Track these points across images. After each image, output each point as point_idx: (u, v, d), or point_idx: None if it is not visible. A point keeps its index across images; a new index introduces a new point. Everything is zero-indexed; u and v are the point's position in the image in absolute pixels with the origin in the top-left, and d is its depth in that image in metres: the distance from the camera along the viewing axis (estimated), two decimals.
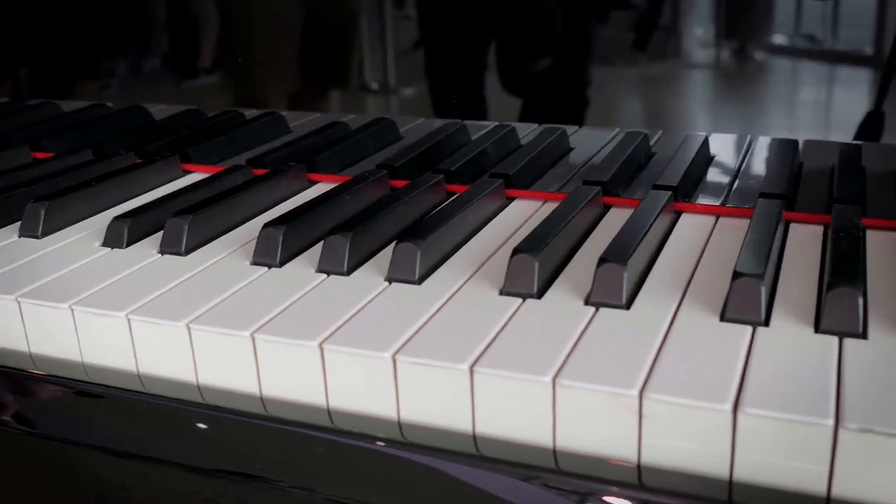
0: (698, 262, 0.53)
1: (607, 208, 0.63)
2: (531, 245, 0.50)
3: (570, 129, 0.76)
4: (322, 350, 0.44)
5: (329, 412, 0.45)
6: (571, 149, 0.76)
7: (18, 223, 0.64)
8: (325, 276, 0.53)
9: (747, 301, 0.44)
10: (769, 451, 0.37)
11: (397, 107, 0.84)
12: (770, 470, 0.37)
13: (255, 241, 0.56)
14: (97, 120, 0.91)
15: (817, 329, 0.43)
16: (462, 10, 0.78)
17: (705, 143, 0.71)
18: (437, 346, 0.43)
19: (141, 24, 0.91)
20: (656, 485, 0.38)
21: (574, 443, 0.40)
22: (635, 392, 0.39)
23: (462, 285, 0.51)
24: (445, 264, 0.54)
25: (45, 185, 0.70)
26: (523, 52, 0.77)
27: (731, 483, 0.38)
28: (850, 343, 0.42)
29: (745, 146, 0.71)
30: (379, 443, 0.42)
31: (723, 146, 0.72)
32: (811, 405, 0.37)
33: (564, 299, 0.48)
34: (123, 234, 0.59)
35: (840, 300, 0.43)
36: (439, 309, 0.47)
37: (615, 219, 0.60)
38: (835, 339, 0.42)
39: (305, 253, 0.56)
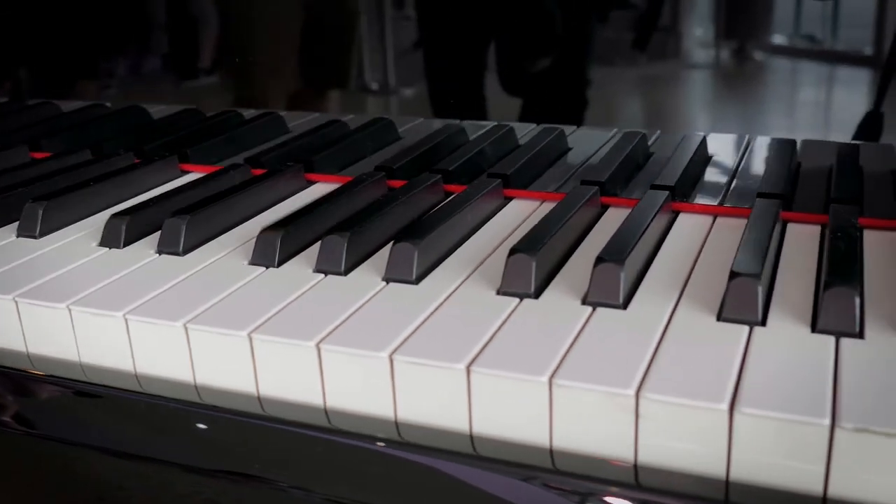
0: (696, 261, 0.53)
1: (605, 208, 0.63)
2: (528, 245, 0.50)
3: (568, 128, 0.76)
4: (319, 350, 0.44)
5: (326, 412, 0.45)
6: (570, 149, 0.76)
7: (16, 223, 0.64)
8: (322, 276, 0.53)
9: (744, 301, 0.44)
10: (766, 451, 0.37)
11: (396, 107, 0.84)
12: (767, 470, 0.37)
13: (252, 240, 0.56)
14: (96, 120, 0.91)
15: (814, 329, 0.43)
16: (461, 10, 0.78)
17: (703, 142, 0.71)
18: (434, 346, 0.43)
19: (139, 25, 0.91)
20: (655, 485, 0.38)
21: (571, 443, 0.40)
22: (632, 392, 0.39)
23: (459, 285, 0.51)
24: (443, 264, 0.54)
25: (44, 184, 0.70)
26: (523, 53, 0.77)
27: (727, 483, 0.38)
28: (846, 343, 0.42)
29: (744, 146, 0.71)
30: (379, 443, 0.42)
31: (721, 146, 0.72)
32: (808, 405, 0.37)
33: (561, 299, 0.48)
34: (121, 231, 0.59)
35: (837, 300, 0.43)
36: (436, 309, 0.48)
37: (613, 219, 0.60)
38: (832, 339, 0.42)
39: (303, 253, 0.56)
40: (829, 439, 0.36)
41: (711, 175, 0.68)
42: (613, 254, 0.48)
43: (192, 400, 0.47)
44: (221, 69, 0.89)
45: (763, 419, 0.37)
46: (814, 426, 0.36)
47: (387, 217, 0.59)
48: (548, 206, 0.63)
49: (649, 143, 0.73)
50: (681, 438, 0.38)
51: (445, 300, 0.49)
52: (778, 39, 0.69)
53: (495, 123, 0.78)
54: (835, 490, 0.36)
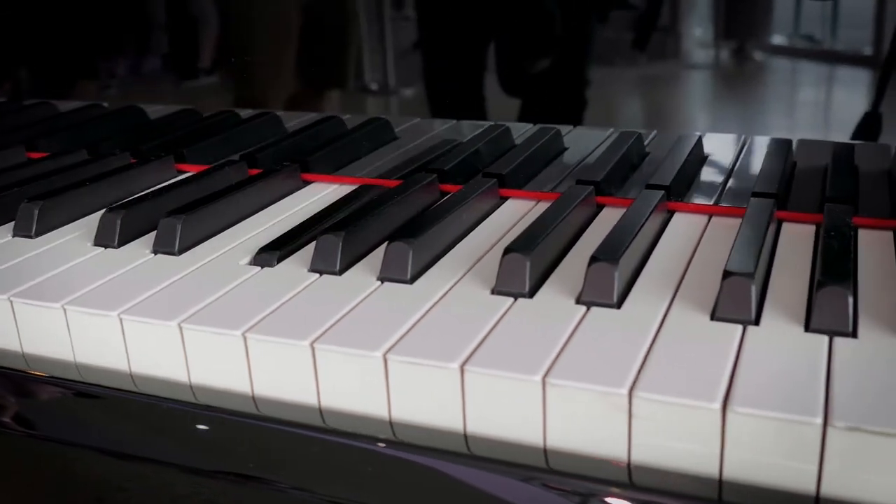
0: (690, 261, 0.53)
1: (600, 208, 0.63)
2: (523, 244, 0.50)
3: (564, 128, 0.76)
4: (313, 349, 0.44)
5: (321, 411, 0.45)
6: (566, 148, 0.76)
7: (13, 223, 0.64)
8: (317, 275, 0.53)
9: (737, 300, 0.44)
10: (759, 450, 0.37)
11: (393, 107, 0.84)
12: (760, 469, 0.37)
13: (248, 240, 0.56)
14: (93, 120, 0.91)
15: (807, 328, 0.43)
16: (460, 10, 0.78)
17: (699, 142, 0.71)
18: (428, 346, 0.43)
19: (137, 25, 0.91)
20: (654, 485, 0.38)
21: (564, 442, 0.40)
22: (625, 391, 0.39)
23: (454, 285, 0.51)
24: (438, 264, 0.54)
25: (40, 184, 0.70)
26: (522, 53, 0.77)
27: (720, 482, 0.38)
28: (839, 342, 0.42)
29: (740, 146, 0.71)
30: (380, 444, 0.42)
31: (717, 146, 0.72)
32: (801, 404, 0.37)
33: (556, 298, 0.48)
34: (116, 226, 0.59)
35: (830, 299, 0.43)
36: (431, 308, 0.48)
37: (608, 218, 0.60)
38: (825, 339, 0.42)
39: (298, 253, 0.56)
40: (822, 438, 0.36)
41: (707, 175, 0.68)
42: (607, 253, 0.48)
43: (188, 399, 0.47)
44: (220, 70, 0.89)
45: (756, 418, 0.37)
46: (806, 425, 0.36)
47: (382, 217, 0.59)
48: (543, 206, 0.63)
49: (646, 143, 0.73)
50: (674, 437, 0.38)
51: (440, 300, 0.49)
52: (777, 39, 0.69)
53: (491, 123, 0.78)
54: (828, 489, 0.37)
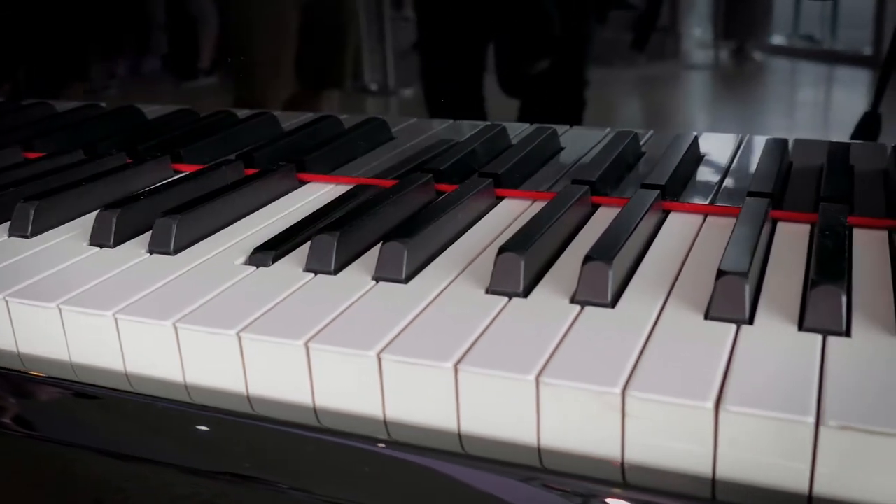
0: (685, 260, 0.53)
1: (596, 207, 0.63)
2: (517, 244, 0.50)
3: (560, 128, 0.76)
4: (308, 349, 0.44)
5: (315, 411, 0.45)
6: (562, 148, 0.76)
7: (8, 223, 0.64)
8: (312, 275, 0.53)
9: (731, 299, 0.44)
10: (752, 449, 0.37)
11: (390, 107, 0.84)
12: (753, 467, 0.37)
13: (243, 239, 0.56)
14: (90, 120, 0.91)
15: (801, 327, 0.43)
16: (459, 11, 0.78)
17: (695, 142, 0.71)
18: (423, 345, 0.43)
19: (135, 25, 0.91)
20: (648, 484, 0.38)
21: (558, 441, 0.41)
22: (618, 390, 0.39)
23: (449, 284, 0.51)
24: (433, 263, 0.54)
25: (36, 184, 0.70)
26: (522, 54, 0.77)
27: (713, 481, 0.38)
28: (833, 341, 0.42)
29: (736, 145, 0.71)
30: (380, 444, 0.42)
31: (713, 145, 0.72)
32: (793, 403, 0.37)
33: (550, 298, 0.48)
34: (111, 224, 0.59)
35: (823, 298, 0.43)
36: (425, 308, 0.48)
37: (603, 218, 0.60)
38: (818, 338, 0.42)
39: (293, 253, 0.56)
40: (815, 437, 0.36)
41: (703, 174, 0.68)
42: (602, 253, 0.48)
43: (183, 399, 0.47)
44: (218, 70, 0.89)
45: (749, 417, 0.37)
46: (799, 424, 0.36)
47: (377, 216, 0.59)
48: (539, 206, 0.63)
49: (642, 142, 0.73)
50: (667, 437, 0.38)
51: (434, 299, 0.49)
52: (777, 39, 0.69)
53: (487, 123, 0.78)
54: (820, 488, 0.37)
